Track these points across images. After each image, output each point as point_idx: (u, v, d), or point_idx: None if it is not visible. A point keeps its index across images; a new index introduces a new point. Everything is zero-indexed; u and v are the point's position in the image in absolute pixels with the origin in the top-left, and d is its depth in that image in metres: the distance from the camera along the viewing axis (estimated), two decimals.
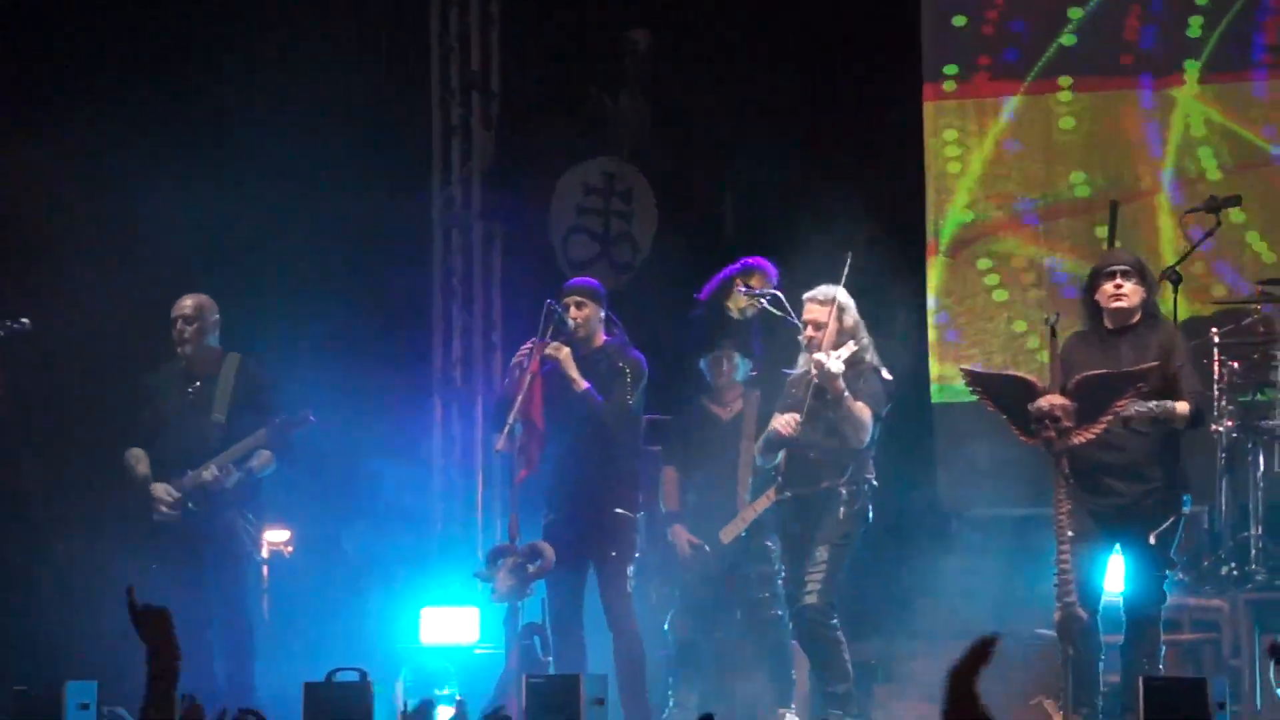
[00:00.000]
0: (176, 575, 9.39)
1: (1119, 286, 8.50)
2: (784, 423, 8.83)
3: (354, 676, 8.41)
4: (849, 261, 8.78)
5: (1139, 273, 8.54)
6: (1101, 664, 8.42)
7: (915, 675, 10.51)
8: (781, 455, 9.11)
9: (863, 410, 8.73)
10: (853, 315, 8.89)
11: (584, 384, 9.15)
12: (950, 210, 12.37)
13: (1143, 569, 8.33)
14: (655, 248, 12.66)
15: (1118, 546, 8.47)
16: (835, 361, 8.66)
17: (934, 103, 12.41)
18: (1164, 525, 8.33)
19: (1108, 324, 8.58)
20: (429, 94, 12.79)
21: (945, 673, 3.07)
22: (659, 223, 12.73)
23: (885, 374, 8.88)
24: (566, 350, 9.21)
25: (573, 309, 9.31)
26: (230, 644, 9.49)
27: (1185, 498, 8.45)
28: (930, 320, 12.23)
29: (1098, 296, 8.58)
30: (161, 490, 9.59)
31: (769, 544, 10.07)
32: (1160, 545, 8.31)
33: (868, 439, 8.77)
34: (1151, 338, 8.49)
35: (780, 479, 9.25)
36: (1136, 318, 8.54)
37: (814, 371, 8.72)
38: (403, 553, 12.11)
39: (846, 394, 8.68)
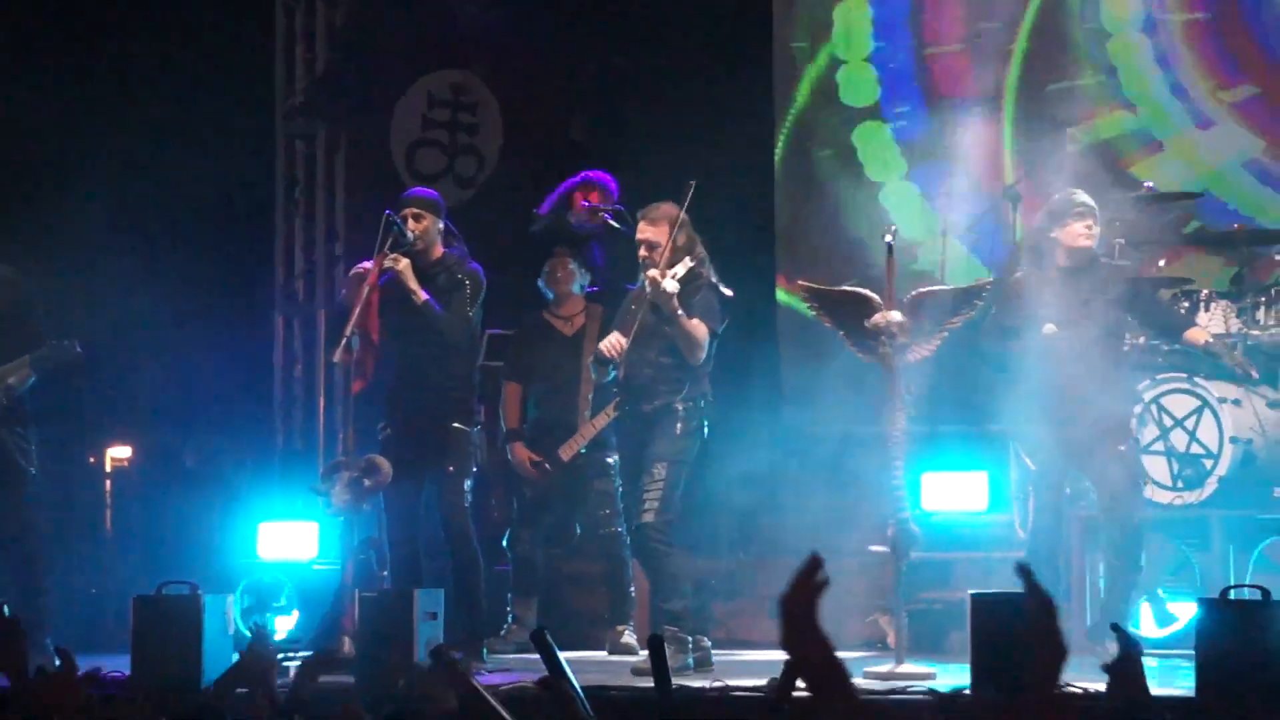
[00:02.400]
0: None
1: (1089, 228, 8.65)
2: (609, 345, 8.79)
3: (184, 590, 8.35)
4: (692, 188, 8.72)
5: (1097, 215, 8.70)
6: None
7: (754, 591, 10.58)
8: (618, 372, 9.09)
9: (698, 328, 8.69)
10: (688, 231, 8.83)
11: (423, 295, 9.06)
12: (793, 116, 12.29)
13: None
14: (500, 163, 12.56)
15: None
16: (670, 281, 8.60)
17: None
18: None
19: (1063, 262, 8.69)
20: (272, 2, 12.58)
21: (777, 603, 2.94)
22: (504, 137, 12.62)
23: (724, 290, 8.85)
24: (406, 261, 9.10)
25: (411, 220, 9.19)
26: (16, 557, 9.25)
27: None
28: (779, 237, 12.18)
29: (1061, 235, 8.64)
30: None
31: (609, 460, 10.06)
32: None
33: (703, 356, 8.74)
34: (1109, 275, 8.72)
35: (618, 395, 9.23)
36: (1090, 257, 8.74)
37: (649, 290, 8.67)
38: (243, 467, 12.00)
39: (681, 312, 8.63)
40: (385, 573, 9.01)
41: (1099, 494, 8.86)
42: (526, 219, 10.86)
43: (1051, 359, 8.53)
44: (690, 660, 8.55)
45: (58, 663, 5.09)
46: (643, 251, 8.84)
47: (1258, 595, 7.40)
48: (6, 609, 5.22)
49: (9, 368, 9.23)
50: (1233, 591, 7.61)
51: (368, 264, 9.11)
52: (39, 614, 8.99)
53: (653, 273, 8.65)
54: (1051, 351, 8.55)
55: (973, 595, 7.56)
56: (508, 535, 10.23)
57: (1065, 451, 8.73)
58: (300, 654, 8.87)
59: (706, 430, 8.87)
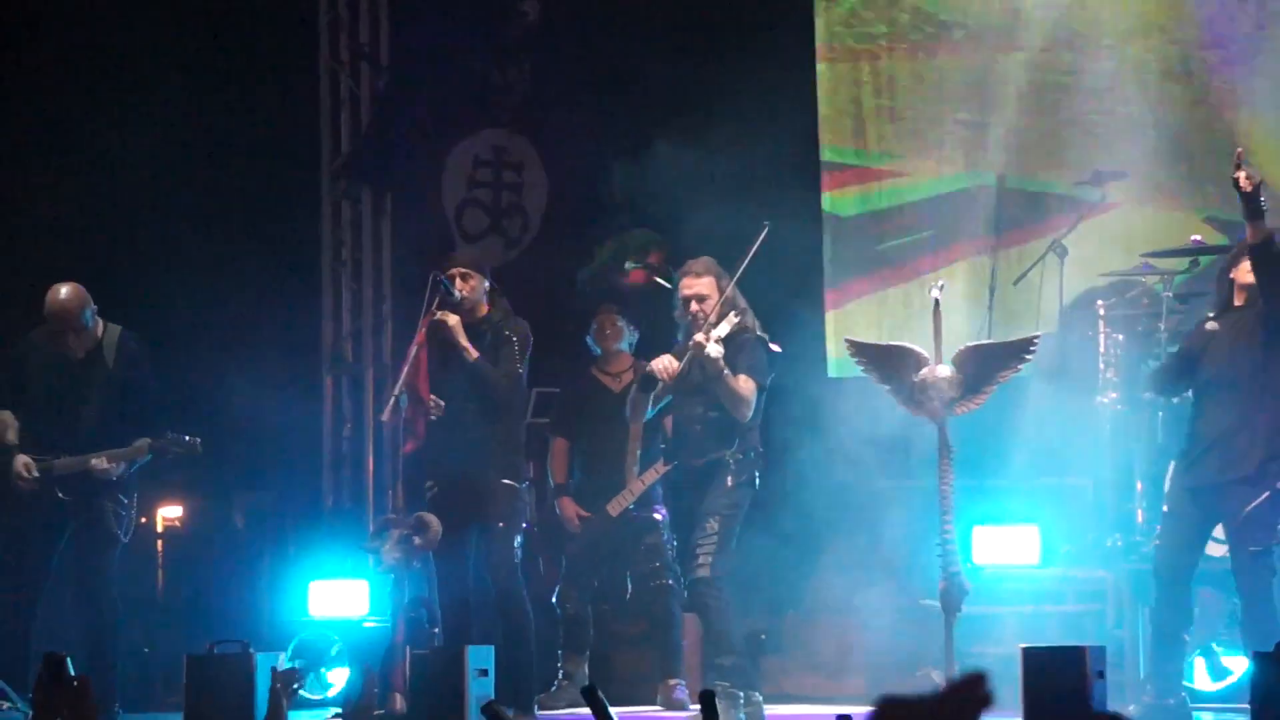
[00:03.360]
0: (24, 549, 9.29)
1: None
2: (661, 364, 8.77)
3: (236, 648, 8.38)
4: (764, 231, 8.72)
5: None
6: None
7: (803, 648, 10.57)
8: (667, 424, 9.10)
9: (744, 384, 8.68)
10: (729, 281, 8.85)
11: (475, 353, 9.10)
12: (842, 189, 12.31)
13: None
14: (545, 221, 12.62)
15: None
16: (714, 346, 8.60)
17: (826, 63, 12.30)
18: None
19: (1237, 302, 8.65)
20: (317, 67, 12.67)
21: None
22: (549, 196, 12.68)
23: (771, 344, 8.85)
24: (456, 319, 9.14)
25: (459, 280, 9.24)
26: (90, 622, 9.31)
27: None
28: (826, 295, 12.18)
29: (1236, 275, 8.62)
30: (23, 464, 9.36)
31: (657, 516, 10.09)
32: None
33: (750, 412, 8.74)
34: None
35: (665, 450, 9.24)
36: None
37: (693, 351, 8.66)
38: (293, 526, 12.05)
39: (726, 372, 8.63)
40: (437, 630, 9.02)
41: None
42: (572, 276, 10.91)
43: None
44: (742, 715, 8.54)
45: None
46: (693, 306, 8.84)
47: None
48: (73, 667, 5.24)
49: (132, 451, 9.32)
50: None
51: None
52: (109, 687, 9.07)
53: (698, 337, 8.63)
54: None
55: (1024, 649, 7.55)
56: (557, 592, 10.23)
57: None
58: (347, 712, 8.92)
59: (758, 483, 8.86)
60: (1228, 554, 8.69)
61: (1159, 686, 8.54)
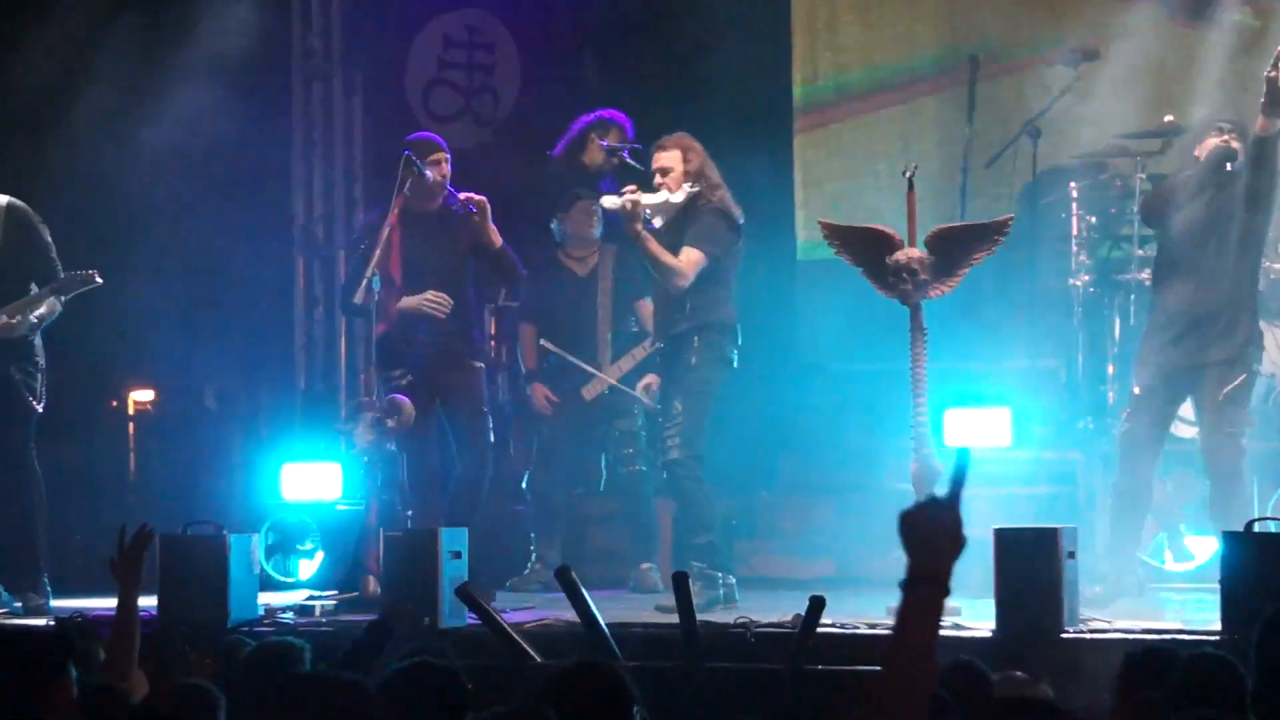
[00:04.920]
0: None
1: (1224, 140, 8.61)
2: (613, 200, 8.86)
3: (209, 530, 8.39)
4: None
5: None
6: None
7: (775, 529, 10.61)
8: (640, 307, 9.14)
9: (683, 253, 8.70)
10: (699, 155, 8.85)
11: (499, 240, 9.13)
12: (815, 68, 12.26)
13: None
14: (517, 103, 12.51)
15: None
16: (610, 199, 8.70)
17: None
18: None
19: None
20: None
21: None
22: (520, 76, 12.57)
23: (734, 213, 8.86)
24: (484, 200, 9.16)
25: (442, 164, 9.22)
26: (12, 498, 9.29)
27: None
28: (796, 177, 12.16)
29: (1200, 151, 8.67)
30: None
31: (630, 400, 10.09)
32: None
33: (683, 282, 8.74)
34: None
35: (638, 333, 9.27)
36: None
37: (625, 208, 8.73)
38: (266, 409, 12.03)
39: (644, 236, 8.66)
40: (410, 513, 9.04)
41: None
42: (542, 159, 10.85)
43: None
44: (720, 594, 8.59)
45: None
46: (658, 179, 8.86)
47: None
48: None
49: (33, 299, 9.27)
50: (1258, 524, 7.62)
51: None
52: (35, 564, 9.13)
53: (628, 191, 8.69)
54: None
55: (996, 530, 7.58)
56: (527, 476, 10.24)
57: None
58: (325, 594, 8.95)
59: (735, 359, 8.86)
60: (1196, 436, 8.71)
61: (1118, 564, 8.59)
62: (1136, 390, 8.68)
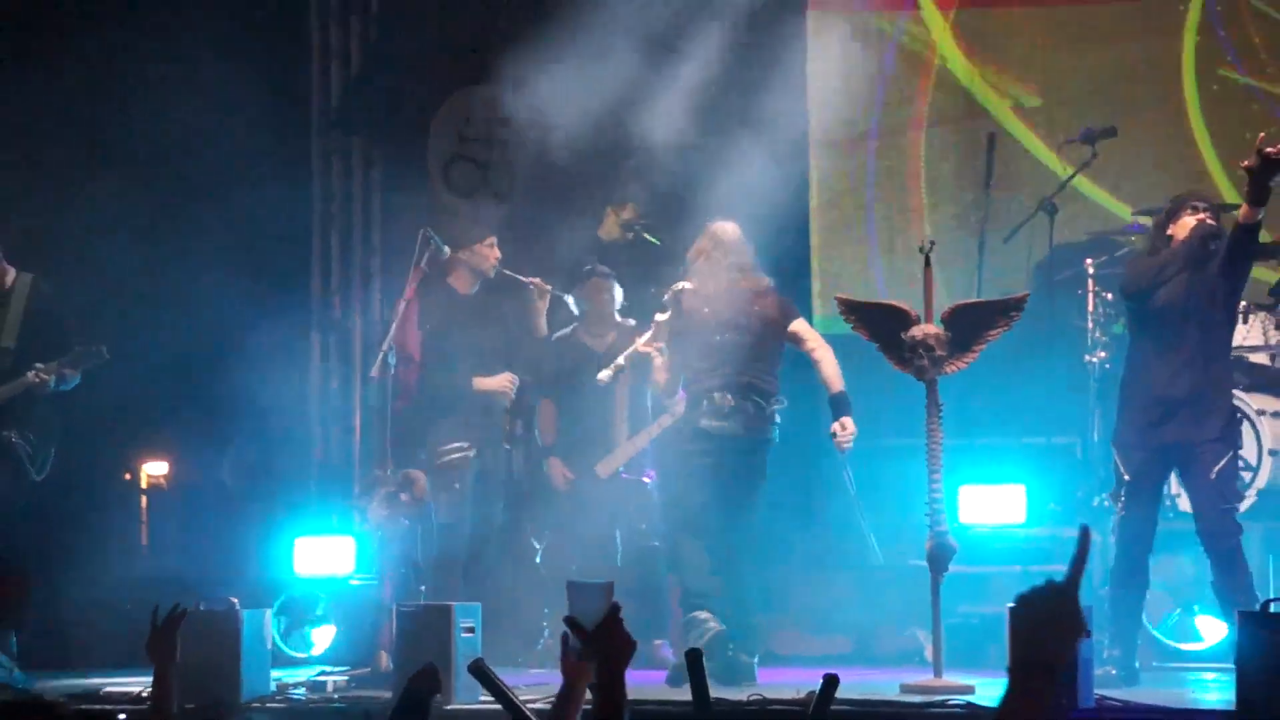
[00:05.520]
0: None
1: (1200, 220, 8.63)
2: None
3: (222, 605, 8.36)
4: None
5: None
6: None
7: (791, 606, 10.56)
8: (658, 382, 9.22)
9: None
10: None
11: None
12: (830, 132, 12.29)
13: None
14: (532, 177, 12.54)
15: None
16: (605, 372, 9.09)
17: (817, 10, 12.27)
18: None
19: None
20: (308, 17, 12.60)
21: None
22: (536, 152, 12.60)
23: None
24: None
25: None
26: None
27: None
28: (814, 256, 12.18)
29: (1176, 229, 8.67)
30: None
31: (645, 479, 10.08)
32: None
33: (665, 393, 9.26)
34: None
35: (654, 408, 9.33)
36: None
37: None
38: (280, 483, 12.03)
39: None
40: (424, 588, 9.02)
41: None
42: (556, 233, 10.88)
43: None
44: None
45: None
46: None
47: None
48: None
49: (46, 369, 9.32)
50: (1274, 605, 7.57)
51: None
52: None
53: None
54: None
55: (1010, 608, 7.52)
56: (541, 552, 10.22)
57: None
58: (338, 669, 8.92)
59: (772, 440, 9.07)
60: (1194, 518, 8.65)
61: (1124, 648, 8.53)
62: (1127, 477, 8.62)
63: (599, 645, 3.78)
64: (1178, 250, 8.55)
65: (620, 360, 9.13)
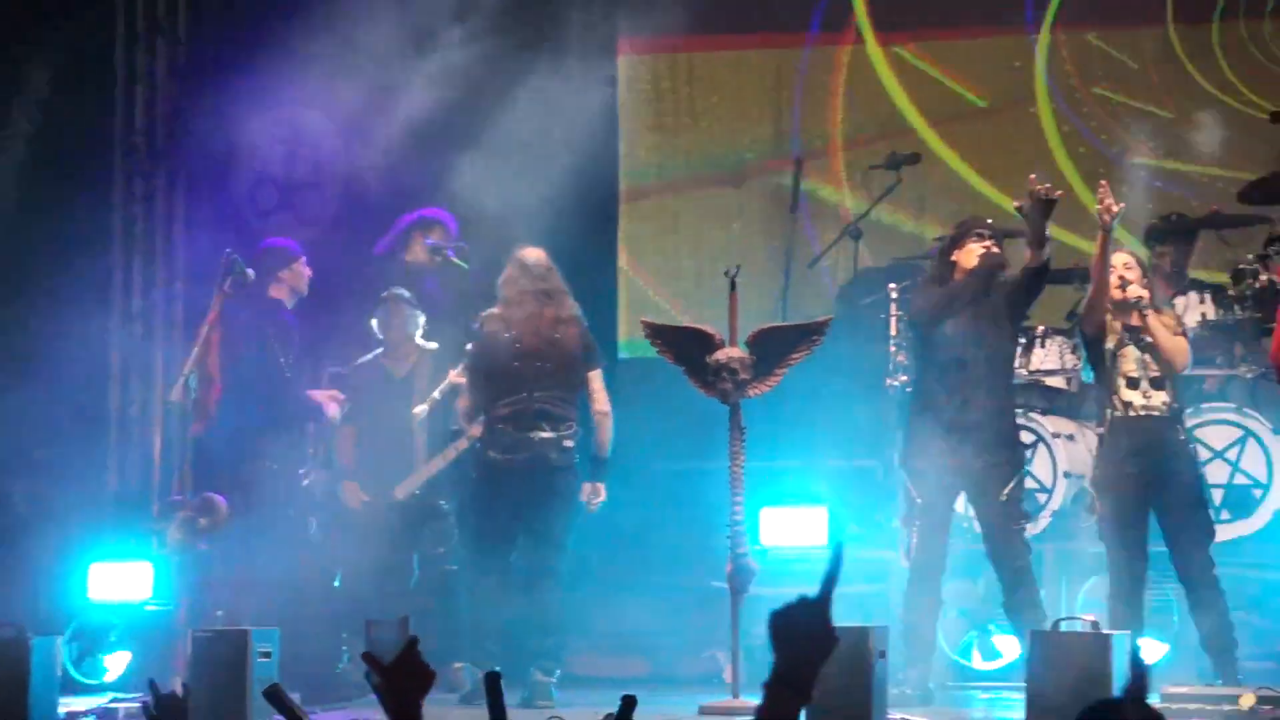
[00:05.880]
0: None
1: (986, 248, 8.68)
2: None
3: (10, 632, 8.19)
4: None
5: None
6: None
7: (591, 628, 10.55)
8: (458, 406, 9.21)
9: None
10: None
11: None
12: (638, 162, 12.39)
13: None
14: (344, 199, 12.46)
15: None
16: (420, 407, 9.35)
17: (627, 55, 12.40)
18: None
19: (960, 278, 8.72)
20: (113, 40, 12.42)
21: None
22: (347, 175, 12.51)
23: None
24: None
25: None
26: None
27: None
28: (620, 276, 12.25)
29: (959, 257, 8.70)
30: None
31: (442, 501, 10.03)
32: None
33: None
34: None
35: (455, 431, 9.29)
36: None
37: None
38: (76, 507, 11.79)
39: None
40: (220, 612, 8.89)
41: None
42: (366, 258, 10.81)
43: None
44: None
45: None
46: None
47: (1088, 627, 7.49)
48: None
49: None
50: (1064, 624, 7.69)
51: None
52: None
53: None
54: None
55: (767, 624, 7.56)
56: (339, 574, 10.13)
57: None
58: (131, 696, 8.77)
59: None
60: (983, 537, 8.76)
61: (920, 669, 8.61)
62: (919, 500, 8.71)
63: (397, 679, 3.77)
64: (967, 281, 8.64)
65: (435, 394, 9.13)
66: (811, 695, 3.09)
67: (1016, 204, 8.38)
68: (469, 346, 9.24)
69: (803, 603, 3.10)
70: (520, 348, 9.03)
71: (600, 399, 9.20)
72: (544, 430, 8.99)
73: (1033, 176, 8.45)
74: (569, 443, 9.04)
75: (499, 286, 9.27)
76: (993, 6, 11.90)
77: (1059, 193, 8.38)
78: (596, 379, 9.22)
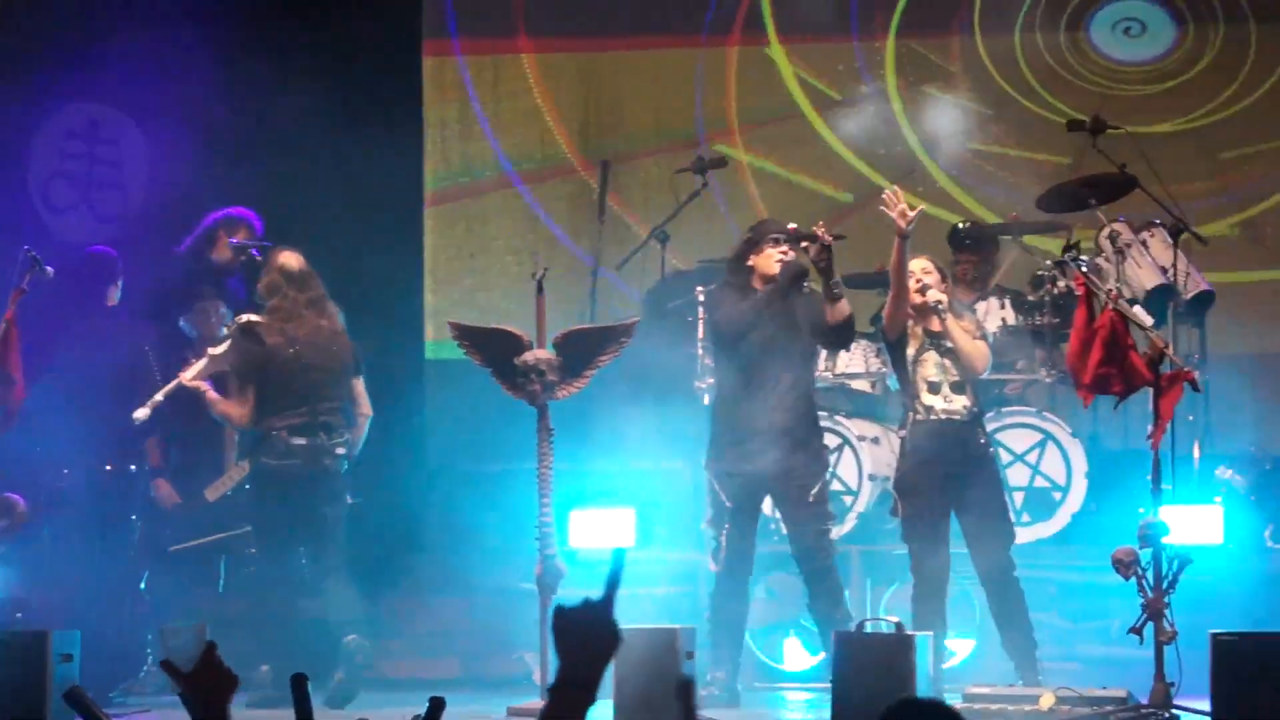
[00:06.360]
0: None
1: (785, 254, 8.67)
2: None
3: None
4: None
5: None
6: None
7: (401, 630, 10.52)
8: None
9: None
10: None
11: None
12: (445, 165, 12.39)
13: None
14: (144, 199, 12.29)
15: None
16: (142, 410, 9.04)
17: (434, 58, 12.41)
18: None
19: (758, 284, 8.72)
20: None
21: None
22: (150, 173, 12.35)
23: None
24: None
25: None
26: None
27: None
28: (427, 278, 12.23)
29: (758, 261, 8.66)
30: None
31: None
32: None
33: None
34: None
35: None
36: None
37: None
38: None
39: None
40: (20, 615, 8.75)
41: None
42: (167, 258, 10.69)
43: None
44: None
45: None
46: None
47: (892, 628, 7.61)
48: None
49: None
50: (869, 625, 7.79)
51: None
52: None
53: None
54: None
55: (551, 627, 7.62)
56: (146, 576, 10.01)
57: None
58: None
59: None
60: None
61: (726, 670, 8.68)
62: (728, 503, 8.78)
63: (198, 686, 3.74)
64: (770, 295, 8.68)
65: (158, 397, 9.02)
66: (596, 694, 3.14)
67: (812, 256, 8.51)
68: (212, 351, 9.17)
69: (586, 604, 3.14)
70: (304, 362, 9.03)
71: (365, 403, 9.27)
72: (322, 439, 8.99)
73: (793, 226, 8.62)
74: (341, 450, 9.07)
75: (261, 293, 9.22)
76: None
77: (830, 239, 8.49)
78: (360, 384, 9.28)
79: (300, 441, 8.95)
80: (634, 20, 12.35)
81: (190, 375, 9.03)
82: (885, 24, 12.11)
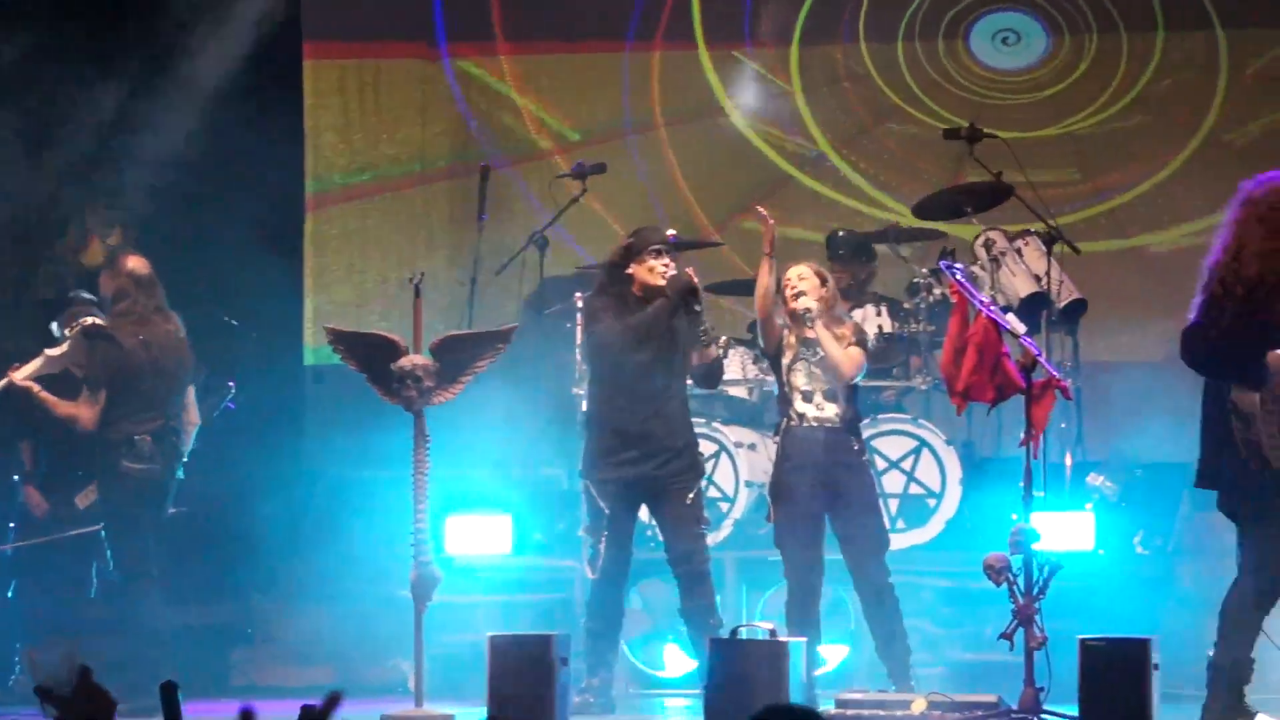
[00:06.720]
0: None
1: (667, 265, 8.67)
2: None
3: None
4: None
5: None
6: None
7: (279, 637, 10.46)
8: None
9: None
10: None
11: None
12: (326, 168, 12.33)
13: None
14: (19, 195, 12.13)
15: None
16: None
17: (313, 61, 12.35)
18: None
19: (638, 292, 8.71)
20: None
21: None
22: (26, 167, 12.19)
23: None
24: None
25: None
26: None
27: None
28: (307, 282, 12.16)
29: (639, 270, 8.64)
30: None
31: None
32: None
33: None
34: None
35: None
36: None
37: None
38: None
39: None
40: None
41: None
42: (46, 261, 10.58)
43: None
44: None
45: None
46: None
47: (766, 635, 7.63)
48: None
49: None
50: (743, 630, 7.81)
51: None
52: None
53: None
54: None
55: (490, 637, 7.64)
56: (14, 583, 9.90)
57: None
58: None
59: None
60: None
61: (601, 678, 8.68)
62: (606, 511, 8.78)
63: (77, 711, 3.67)
64: (659, 308, 8.67)
65: None
66: None
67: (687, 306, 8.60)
68: (50, 351, 9.10)
69: None
70: (159, 366, 9.02)
71: (194, 412, 9.41)
72: (174, 444, 8.98)
73: (672, 232, 8.70)
74: (184, 458, 9.07)
75: (110, 298, 9.18)
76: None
77: (694, 282, 8.56)
78: (192, 392, 9.42)
79: (159, 447, 8.92)
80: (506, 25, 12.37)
81: (22, 375, 8.96)
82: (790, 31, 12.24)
